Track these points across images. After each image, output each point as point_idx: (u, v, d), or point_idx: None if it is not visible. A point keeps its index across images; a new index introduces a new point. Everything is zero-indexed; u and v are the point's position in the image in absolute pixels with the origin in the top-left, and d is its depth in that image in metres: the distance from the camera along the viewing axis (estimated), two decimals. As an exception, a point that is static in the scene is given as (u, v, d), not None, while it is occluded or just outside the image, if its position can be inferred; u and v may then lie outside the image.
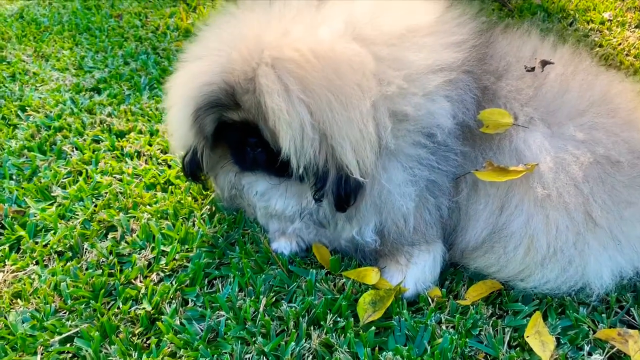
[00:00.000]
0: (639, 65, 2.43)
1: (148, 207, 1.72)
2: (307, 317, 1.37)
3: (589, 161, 1.26)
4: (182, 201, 1.75)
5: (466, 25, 1.40)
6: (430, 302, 1.41)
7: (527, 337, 1.30)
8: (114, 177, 1.87)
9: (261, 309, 1.38)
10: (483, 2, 3.08)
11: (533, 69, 1.38)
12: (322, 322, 1.35)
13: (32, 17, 3.20)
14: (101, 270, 1.51)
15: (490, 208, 1.33)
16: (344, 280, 1.46)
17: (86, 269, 1.53)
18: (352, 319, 1.35)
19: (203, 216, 1.69)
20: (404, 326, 1.35)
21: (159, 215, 1.70)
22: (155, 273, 1.52)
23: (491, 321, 1.36)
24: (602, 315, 1.37)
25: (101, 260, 1.56)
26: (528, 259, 1.32)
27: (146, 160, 1.96)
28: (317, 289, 1.45)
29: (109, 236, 1.64)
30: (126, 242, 1.61)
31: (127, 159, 1.96)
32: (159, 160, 1.95)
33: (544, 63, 1.38)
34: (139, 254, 1.57)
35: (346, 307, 1.38)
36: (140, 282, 1.49)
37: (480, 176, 1.30)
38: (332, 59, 1.17)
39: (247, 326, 1.35)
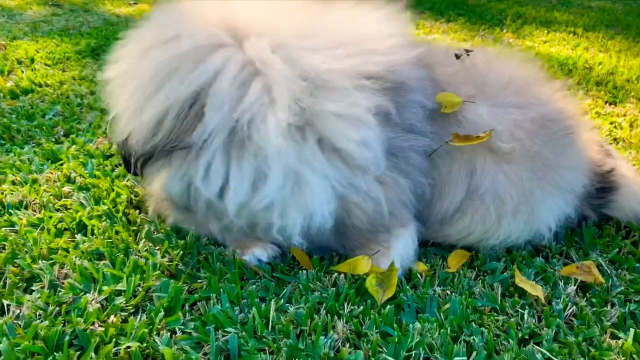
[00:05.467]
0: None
1: (71, 251, 1.42)
2: (321, 312, 1.27)
3: (530, 118, 1.48)
4: (111, 239, 1.48)
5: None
6: (420, 277, 1.44)
7: (518, 283, 1.41)
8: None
9: (272, 314, 1.23)
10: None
11: (460, 56, 1.58)
12: (340, 312, 1.27)
13: None
14: (47, 322, 1.18)
15: (463, 171, 1.45)
16: (335, 275, 1.40)
17: (24, 326, 1.18)
18: (363, 304, 1.30)
19: (146, 249, 1.46)
20: (411, 300, 1.34)
21: (90, 256, 1.41)
22: (113, 314, 1.24)
23: (479, 281, 1.44)
24: (553, 260, 1.56)
25: (38, 312, 1.22)
26: (501, 210, 1.46)
27: (37, 209, 1.62)
28: (310, 288, 1.36)
29: (34, 287, 1.30)
30: (62, 288, 1.30)
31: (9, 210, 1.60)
32: (56, 207, 1.63)
33: (467, 51, 1.60)
34: (81, 298, 1.27)
35: (354, 295, 1.32)
36: (100, 326, 1.21)
37: (454, 143, 1.43)
38: None
39: (264, 334, 1.19)
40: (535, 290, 1.39)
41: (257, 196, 1.29)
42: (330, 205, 1.32)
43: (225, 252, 1.47)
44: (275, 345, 1.16)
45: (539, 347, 1.21)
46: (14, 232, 1.50)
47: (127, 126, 1.33)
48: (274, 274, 1.40)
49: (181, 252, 1.45)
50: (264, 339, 1.18)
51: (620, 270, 1.53)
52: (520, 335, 1.25)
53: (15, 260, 1.38)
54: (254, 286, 1.36)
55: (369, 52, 1.36)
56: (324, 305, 1.29)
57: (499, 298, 1.38)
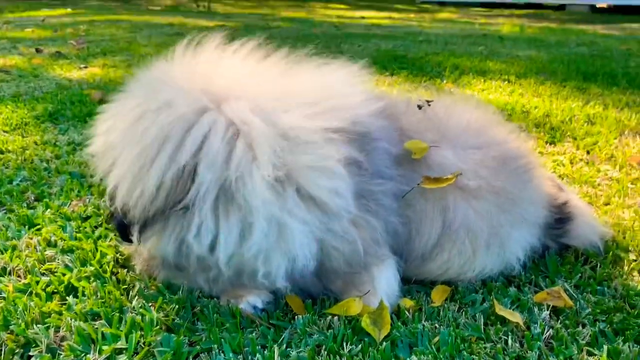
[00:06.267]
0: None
1: (64, 313, 1.42)
2: (322, 354, 1.32)
3: (491, 157, 1.64)
4: (104, 299, 1.49)
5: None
6: (408, 312, 1.52)
7: (498, 311, 1.51)
8: (-10, 298, 1.49)
9: (277, 359, 1.28)
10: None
11: (422, 106, 1.73)
12: (340, 352, 1.33)
13: None
14: (53, 385, 1.18)
15: (437, 209, 1.57)
16: (329, 318, 1.46)
17: (29, 391, 1.17)
18: (361, 343, 1.37)
19: (141, 306, 1.48)
20: (403, 335, 1.42)
21: (85, 317, 1.42)
22: (118, 373, 1.26)
23: (462, 313, 1.54)
24: (525, 288, 1.68)
25: (42, 377, 1.22)
26: (475, 244, 1.58)
27: (22, 274, 1.61)
28: (308, 332, 1.41)
29: (32, 352, 1.29)
30: (61, 351, 1.29)
31: (-7, 279, 1.58)
32: (41, 271, 1.63)
33: (428, 101, 1.75)
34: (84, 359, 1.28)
35: (351, 335, 1.39)
36: (107, 386, 1.22)
37: (426, 185, 1.55)
38: None
39: (271, 379, 1.23)
40: (514, 317, 1.50)
41: (245, 245, 1.37)
42: (312, 247, 1.41)
43: (220, 302, 1.50)
44: (283, 388, 1.21)
45: (526, 369, 1.31)
46: (2, 298, 1.49)
47: (127, 195, 1.38)
48: (270, 321, 1.45)
49: (176, 306, 1.48)
50: (272, 384, 1.23)
51: (585, 294, 1.66)
52: (507, 359, 1.34)
53: (8, 327, 1.36)
54: (252, 334, 1.40)
55: (335, 108, 1.49)
56: (324, 347, 1.35)
57: (483, 327, 1.48)
